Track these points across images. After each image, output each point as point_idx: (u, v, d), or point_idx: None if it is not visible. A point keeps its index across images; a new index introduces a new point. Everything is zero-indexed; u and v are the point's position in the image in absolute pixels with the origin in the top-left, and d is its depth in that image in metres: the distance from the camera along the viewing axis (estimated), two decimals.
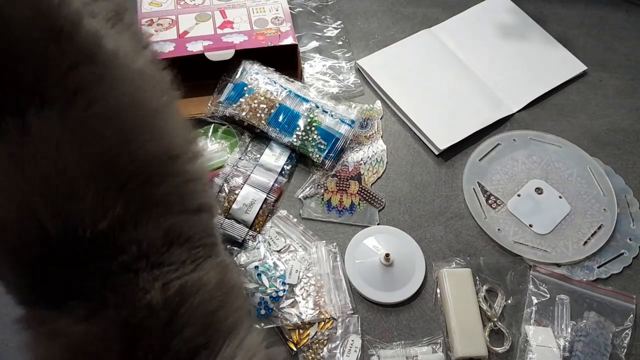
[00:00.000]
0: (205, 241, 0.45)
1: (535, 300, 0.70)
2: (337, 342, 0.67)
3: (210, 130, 0.83)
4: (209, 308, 0.41)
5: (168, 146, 0.43)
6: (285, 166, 0.80)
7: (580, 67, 0.95)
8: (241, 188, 0.77)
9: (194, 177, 0.45)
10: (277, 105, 0.82)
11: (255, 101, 0.81)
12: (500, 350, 0.67)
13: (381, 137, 0.86)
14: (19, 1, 0.37)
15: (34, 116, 0.37)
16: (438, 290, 0.71)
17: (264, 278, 0.70)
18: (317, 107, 0.83)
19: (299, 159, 0.82)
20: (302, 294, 0.70)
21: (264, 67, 0.85)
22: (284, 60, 0.86)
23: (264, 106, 0.81)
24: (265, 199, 0.77)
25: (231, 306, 0.43)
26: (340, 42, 0.97)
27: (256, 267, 0.71)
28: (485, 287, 0.71)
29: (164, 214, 0.42)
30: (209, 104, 0.83)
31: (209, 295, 0.41)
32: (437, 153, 0.84)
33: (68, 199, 0.37)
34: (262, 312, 0.67)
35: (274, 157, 0.80)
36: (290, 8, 0.91)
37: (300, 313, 0.68)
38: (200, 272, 0.42)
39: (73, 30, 0.39)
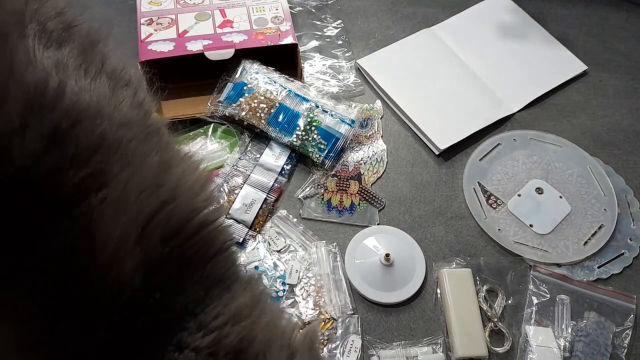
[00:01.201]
0: (231, 270, 0.44)
1: (535, 301, 0.70)
2: (337, 343, 0.66)
3: (210, 129, 0.82)
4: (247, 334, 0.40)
5: (186, 206, 0.41)
6: (285, 166, 0.80)
7: (581, 67, 0.95)
8: (241, 188, 0.77)
9: (215, 218, 0.44)
10: (277, 104, 0.81)
11: (255, 101, 0.81)
12: (500, 350, 0.67)
13: (381, 136, 0.86)
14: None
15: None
16: (438, 291, 0.71)
17: (264, 278, 0.70)
18: (317, 106, 0.83)
19: (299, 158, 0.82)
20: (302, 294, 0.70)
21: (264, 67, 0.85)
22: (284, 59, 0.86)
23: (264, 106, 0.81)
24: (265, 198, 0.76)
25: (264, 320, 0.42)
26: (340, 42, 0.96)
27: (256, 267, 0.71)
28: (485, 287, 0.71)
29: (198, 267, 0.41)
30: (208, 104, 0.83)
31: (247, 323, 0.41)
32: (437, 153, 0.83)
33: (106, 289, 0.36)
34: None
35: (274, 157, 0.80)
36: (290, 7, 0.91)
37: (300, 313, 0.68)
38: (234, 303, 0.41)
39: (71, 127, 0.36)
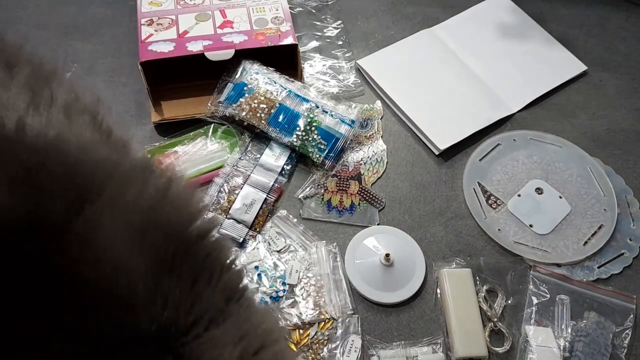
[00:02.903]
0: (244, 290, 0.44)
1: (535, 301, 0.70)
2: (337, 342, 0.67)
3: (210, 130, 0.83)
4: None
5: (178, 215, 0.41)
6: (285, 166, 0.80)
7: (581, 67, 0.95)
8: (241, 188, 0.77)
9: (212, 229, 0.44)
10: (277, 105, 0.81)
11: (255, 101, 0.81)
12: (500, 350, 0.67)
13: (381, 137, 0.86)
14: None
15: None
16: (438, 291, 0.71)
17: (264, 278, 0.70)
18: (317, 107, 0.83)
19: (299, 159, 0.82)
20: (302, 294, 0.70)
21: (264, 67, 0.85)
22: (284, 60, 0.86)
23: (264, 106, 0.81)
24: (265, 199, 0.77)
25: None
26: (340, 42, 0.96)
27: (256, 267, 0.71)
28: (485, 287, 0.71)
29: (212, 275, 0.40)
30: (208, 104, 0.83)
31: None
32: (437, 153, 0.84)
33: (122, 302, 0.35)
34: None
35: (274, 157, 0.80)
36: (290, 8, 0.91)
37: (300, 313, 0.68)
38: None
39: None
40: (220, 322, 0.39)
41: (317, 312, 0.68)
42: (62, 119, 0.41)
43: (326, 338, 0.67)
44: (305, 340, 0.67)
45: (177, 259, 0.38)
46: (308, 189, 0.79)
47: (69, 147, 0.39)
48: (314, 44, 0.96)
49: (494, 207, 0.79)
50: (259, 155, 0.81)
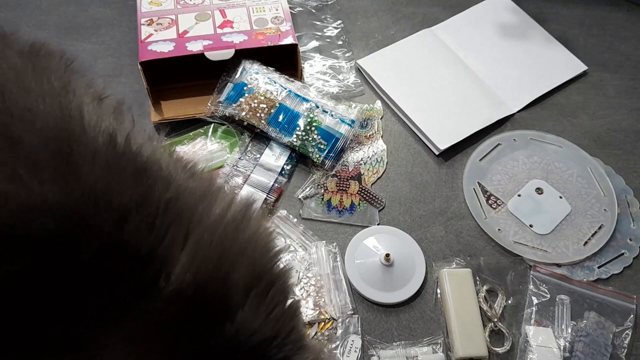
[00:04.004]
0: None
1: (535, 301, 0.70)
2: (337, 343, 0.66)
3: (210, 130, 0.82)
4: None
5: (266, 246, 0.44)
6: (285, 166, 0.80)
7: (581, 66, 0.95)
8: (241, 188, 0.77)
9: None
10: (277, 105, 0.81)
11: (255, 101, 0.81)
12: (500, 350, 0.67)
13: (381, 137, 0.86)
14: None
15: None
16: (438, 291, 0.71)
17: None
18: (317, 106, 0.83)
19: (299, 158, 0.82)
20: (302, 294, 0.70)
21: (264, 67, 0.85)
22: (284, 59, 0.86)
23: (264, 106, 0.81)
24: (265, 199, 0.77)
25: None
26: (340, 42, 0.96)
27: None
28: (485, 288, 0.71)
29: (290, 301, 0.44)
30: (208, 104, 0.83)
31: None
32: (437, 153, 0.83)
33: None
34: None
35: (274, 157, 0.80)
36: (290, 7, 0.91)
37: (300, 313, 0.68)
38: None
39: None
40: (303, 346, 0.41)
41: (317, 312, 0.68)
42: (148, 142, 0.44)
43: (326, 338, 0.67)
44: None
45: (265, 278, 0.41)
46: (308, 189, 0.79)
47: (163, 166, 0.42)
48: (314, 43, 0.96)
49: (494, 207, 0.79)
50: (258, 155, 0.81)
